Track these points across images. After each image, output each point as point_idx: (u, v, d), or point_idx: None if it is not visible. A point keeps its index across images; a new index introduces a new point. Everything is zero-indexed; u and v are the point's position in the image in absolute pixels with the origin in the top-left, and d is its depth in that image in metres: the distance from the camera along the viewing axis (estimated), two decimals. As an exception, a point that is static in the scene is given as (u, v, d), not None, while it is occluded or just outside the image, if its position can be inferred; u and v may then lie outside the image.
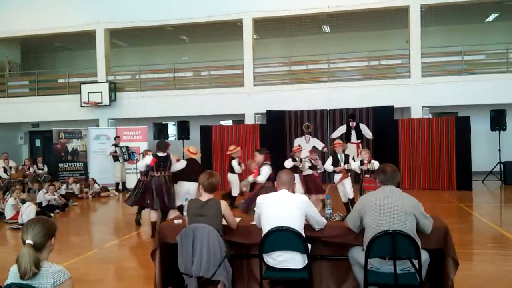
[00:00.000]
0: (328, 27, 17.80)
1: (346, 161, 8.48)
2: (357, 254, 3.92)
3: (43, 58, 20.38)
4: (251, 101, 15.39)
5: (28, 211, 9.22)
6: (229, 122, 17.64)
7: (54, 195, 10.90)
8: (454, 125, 12.50)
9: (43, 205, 10.59)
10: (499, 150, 13.68)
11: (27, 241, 2.54)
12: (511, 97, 13.72)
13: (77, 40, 18.30)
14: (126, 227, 8.89)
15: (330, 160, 8.65)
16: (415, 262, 3.55)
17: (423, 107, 14.16)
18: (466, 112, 13.94)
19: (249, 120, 15.28)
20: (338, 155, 8.56)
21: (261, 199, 4.04)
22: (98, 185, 13.74)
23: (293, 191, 4.11)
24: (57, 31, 17.02)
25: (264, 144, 13.53)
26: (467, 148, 12.31)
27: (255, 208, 4.10)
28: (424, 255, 3.73)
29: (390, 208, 3.68)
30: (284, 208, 3.88)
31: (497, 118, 13.52)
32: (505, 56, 14.39)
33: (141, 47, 20.06)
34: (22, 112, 17.22)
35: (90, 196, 13.28)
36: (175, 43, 19.57)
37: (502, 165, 13.62)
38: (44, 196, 10.71)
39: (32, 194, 10.18)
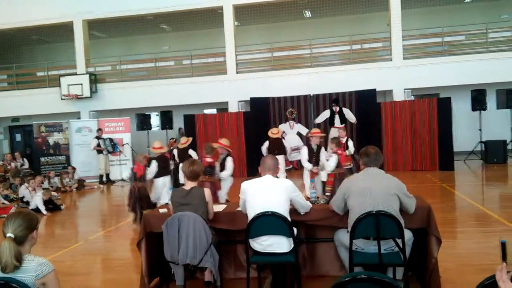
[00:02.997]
0: (309, 12, 17.76)
1: (318, 153, 7.63)
2: (342, 236, 3.96)
3: (21, 52, 20.00)
4: (234, 89, 15.33)
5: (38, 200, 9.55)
6: (213, 111, 17.58)
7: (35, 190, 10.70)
8: (436, 106, 12.62)
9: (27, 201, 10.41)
10: (480, 129, 13.87)
11: (8, 234, 2.51)
12: (491, 77, 13.89)
13: (55, 32, 17.96)
14: (111, 218, 8.85)
15: (305, 154, 7.69)
16: (399, 241, 3.60)
17: (405, 89, 14.27)
18: (447, 93, 14.10)
19: (233, 108, 15.23)
20: (313, 146, 7.71)
21: (246, 185, 4.04)
22: (73, 175, 13.59)
23: (277, 176, 4.12)
24: (34, 23, 16.66)
25: (248, 132, 13.55)
26: (449, 129, 12.47)
27: (239, 195, 4.10)
28: (408, 234, 3.79)
29: (374, 189, 3.71)
30: (269, 193, 3.89)
31: (478, 98, 13.68)
32: (484, 36, 14.53)
33: (120, 37, 19.80)
34: (1, 106, 16.91)
35: (74, 189, 13.16)
36: (156, 32, 19.35)
37: (483, 145, 13.83)
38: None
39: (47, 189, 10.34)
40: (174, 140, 11.24)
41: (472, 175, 12.44)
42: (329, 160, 7.44)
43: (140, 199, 7.96)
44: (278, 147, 9.87)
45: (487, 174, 12.22)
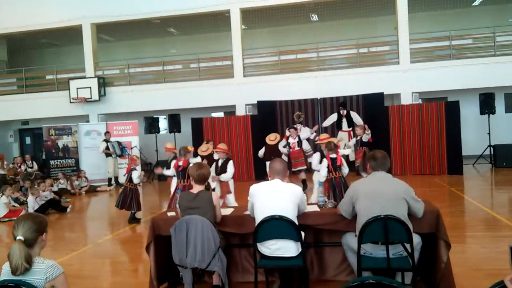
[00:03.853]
0: (316, 16, 17.76)
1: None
2: (350, 240, 3.95)
3: (30, 55, 20.17)
4: (241, 92, 15.34)
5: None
6: (220, 114, 17.61)
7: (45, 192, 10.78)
8: (444, 110, 12.56)
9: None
10: (489, 133, 13.78)
11: (18, 237, 2.54)
12: (499, 80, 13.81)
13: (64, 35, 18.10)
14: (119, 221, 8.86)
15: (316, 159, 7.59)
16: (407, 246, 3.59)
17: (412, 93, 14.20)
18: (455, 96, 14.03)
19: (240, 111, 15.24)
20: (325, 152, 7.55)
21: (254, 188, 4.05)
22: (86, 178, 13.73)
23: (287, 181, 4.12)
24: (43, 27, 16.81)
25: (256, 135, 13.56)
26: (457, 133, 12.40)
27: (248, 198, 4.11)
28: (416, 239, 3.77)
29: (382, 193, 3.71)
30: (277, 197, 3.90)
31: (486, 102, 13.61)
32: (492, 40, 14.45)
33: (129, 41, 19.90)
34: (11, 110, 17.05)
35: (83, 193, 13.23)
36: (163, 35, 19.44)
37: (492, 148, 13.74)
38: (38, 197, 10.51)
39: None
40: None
41: (481, 179, 12.36)
42: (320, 170, 7.22)
43: (131, 199, 8.37)
44: (274, 153, 9.82)
45: (496, 178, 12.13)
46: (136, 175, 8.40)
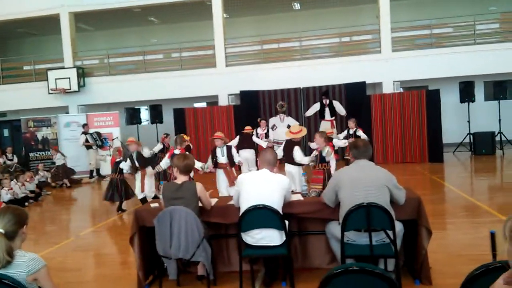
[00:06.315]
0: (298, 4, 17.70)
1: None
2: (334, 228, 3.98)
3: (7, 45, 19.71)
4: (224, 82, 15.24)
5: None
6: (202, 104, 17.50)
7: (24, 185, 10.60)
8: (425, 98, 12.71)
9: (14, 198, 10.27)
10: (469, 121, 13.97)
11: (-2, 230, 2.49)
12: (479, 69, 13.98)
13: (42, 25, 17.71)
14: (101, 213, 8.79)
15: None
16: (390, 233, 3.63)
17: (394, 81, 14.31)
18: (436, 85, 14.18)
19: (223, 101, 15.17)
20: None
21: (243, 177, 4.09)
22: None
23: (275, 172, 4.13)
24: (19, 16, 16.36)
25: (239, 125, 13.51)
26: (438, 121, 12.56)
27: (235, 186, 4.12)
28: (398, 226, 3.82)
29: (364, 181, 3.74)
30: (264, 186, 3.92)
31: (466, 90, 13.78)
32: (472, 29, 14.60)
33: (108, 30, 19.56)
34: (-12, 101, 16.67)
35: (65, 185, 13.04)
36: (144, 24, 19.14)
37: (471, 136, 13.95)
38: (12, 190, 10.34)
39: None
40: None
41: (461, 166, 12.56)
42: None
43: (117, 189, 8.52)
44: (248, 143, 10.07)
45: (475, 165, 12.34)
46: (127, 166, 8.35)
